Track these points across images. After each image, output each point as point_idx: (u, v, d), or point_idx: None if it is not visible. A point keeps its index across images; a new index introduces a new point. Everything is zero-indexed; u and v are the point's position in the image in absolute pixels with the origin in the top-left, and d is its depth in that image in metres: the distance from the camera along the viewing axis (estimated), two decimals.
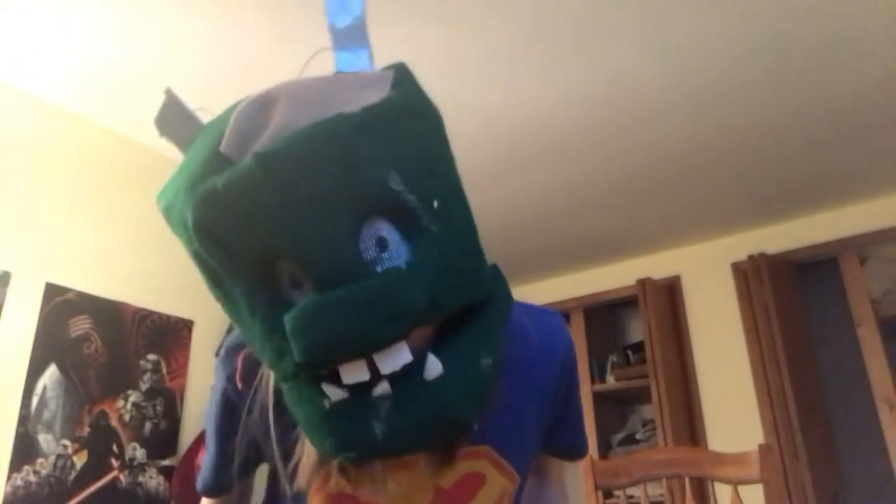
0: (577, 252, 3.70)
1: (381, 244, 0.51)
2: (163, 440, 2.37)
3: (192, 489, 2.36)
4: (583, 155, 2.72)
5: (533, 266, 3.87)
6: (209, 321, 2.64)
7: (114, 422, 2.25)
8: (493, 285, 0.57)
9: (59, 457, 2.07)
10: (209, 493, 0.79)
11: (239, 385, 0.66)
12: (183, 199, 0.54)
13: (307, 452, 0.60)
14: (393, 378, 0.50)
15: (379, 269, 0.50)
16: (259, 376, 0.64)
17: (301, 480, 0.61)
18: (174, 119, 0.64)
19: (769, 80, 2.26)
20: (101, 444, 2.19)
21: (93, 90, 2.25)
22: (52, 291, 2.17)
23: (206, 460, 0.78)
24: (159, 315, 2.47)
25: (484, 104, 2.34)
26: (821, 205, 3.19)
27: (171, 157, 2.65)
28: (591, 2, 1.90)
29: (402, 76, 0.58)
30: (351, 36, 0.61)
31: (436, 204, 0.52)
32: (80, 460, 2.12)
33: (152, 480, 2.31)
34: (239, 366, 0.66)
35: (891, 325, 3.06)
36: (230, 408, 0.68)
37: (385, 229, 0.51)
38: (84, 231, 2.32)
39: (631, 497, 2.82)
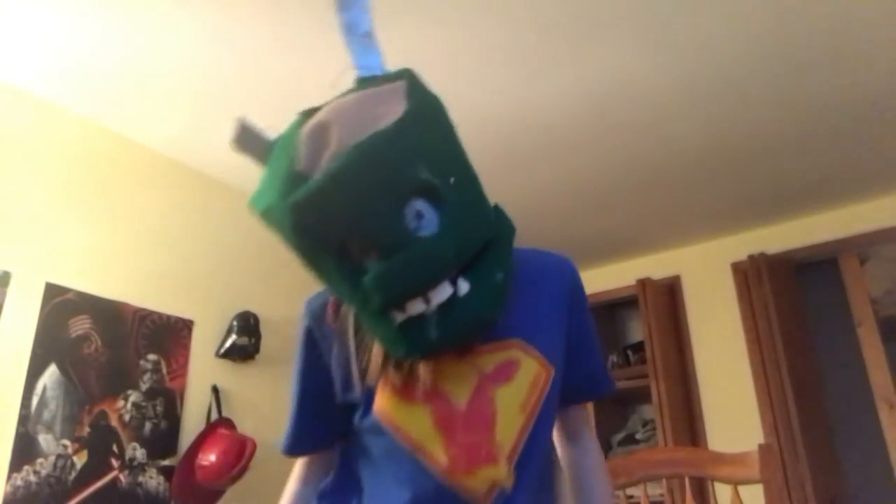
0: (578, 252, 3.70)
1: (419, 216, 0.73)
2: (163, 440, 2.37)
3: (192, 489, 2.37)
4: (583, 155, 2.72)
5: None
6: (209, 321, 2.64)
7: (114, 422, 2.25)
8: (497, 223, 0.80)
9: (59, 457, 2.07)
10: (290, 451, 0.97)
11: (330, 315, 0.88)
12: (279, 208, 0.74)
13: (373, 359, 0.82)
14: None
15: (421, 233, 0.72)
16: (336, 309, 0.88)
17: (370, 378, 0.83)
18: (247, 140, 0.83)
19: (769, 80, 2.26)
20: (101, 444, 2.19)
21: (92, 90, 2.25)
22: (52, 291, 2.17)
23: (288, 418, 0.96)
24: (159, 315, 2.47)
25: (484, 104, 2.34)
26: (821, 205, 3.19)
27: (170, 156, 2.66)
28: (591, 2, 1.90)
29: (412, 84, 0.78)
30: (365, 47, 0.83)
31: (452, 180, 0.74)
32: (80, 460, 2.12)
33: (152, 480, 2.31)
34: (332, 303, 0.89)
35: (891, 325, 3.06)
36: (312, 343, 0.92)
37: (420, 205, 0.73)
38: (84, 231, 2.32)
39: (631, 497, 2.82)
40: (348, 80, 0.82)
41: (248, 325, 2.68)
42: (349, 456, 0.94)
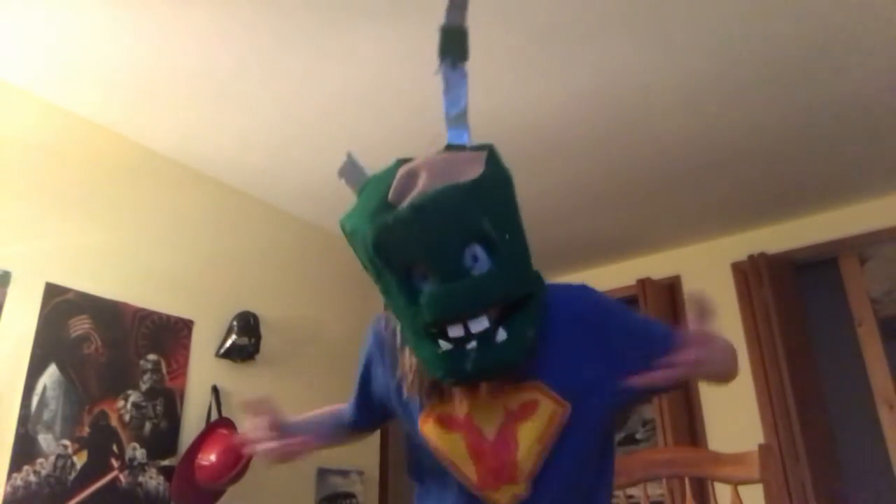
0: (577, 252, 3.70)
1: (475, 259, 0.88)
2: (163, 440, 2.37)
3: (192, 489, 2.37)
4: (583, 155, 2.72)
5: (533, 266, 3.86)
6: (209, 321, 2.64)
7: (114, 422, 2.25)
8: (536, 284, 0.96)
9: (59, 457, 2.07)
10: (353, 425, 1.20)
11: (385, 332, 1.08)
12: (365, 227, 0.90)
13: (409, 374, 1.00)
14: (477, 338, 0.87)
15: (474, 273, 0.88)
16: (392, 332, 1.06)
17: (405, 390, 1.01)
18: (350, 171, 1.01)
19: (769, 80, 2.26)
20: (101, 444, 2.19)
21: (93, 90, 2.25)
22: (52, 291, 2.17)
23: (351, 400, 1.19)
24: (159, 315, 2.47)
25: (484, 105, 2.34)
26: (821, 205, 3.19)
27: (170, 156, 2.66)
28: (590, 3, 1.90)
29: (491, 156, 0.95)
30: (458, 120, 0.99)
31: (507, 237, 0.91)
32: (80, 460, 2.12)
33: (152, 480, 2.31)
34: (380, 322, 1.11)
35: (891, 325, 3.06)
36: (370, 360, 1.12)
37: (478, 250, 0.89)
38: (84, 231, 2.32)
39: (631, 497, 2.81)
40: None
41: (248, 325, 2.68)
42: (411, 453, 1.12)
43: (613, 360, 1.02)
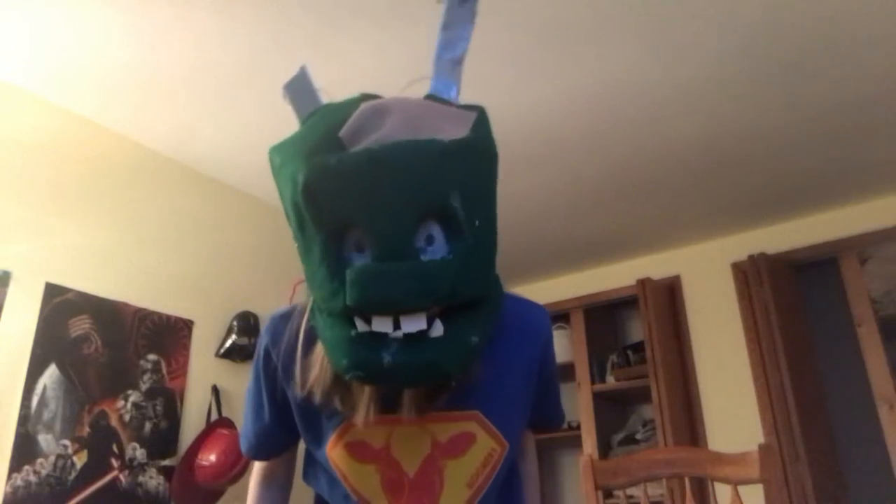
0: (577, 252, 3.70)
1: (430, 240, 0.69)
2: (163, 440, 2.37)
3: (192, 489, 2.36)
4: (583, 155, 2.72)
5: (533, 266, 3.87)
6: (209, 321, 2.64)
7: (114, 422, 2.25)
8: (494, 289, 0.77)
9: (59, 457, 2.07)
10: (253, 456, 0.99)
11: (268, 341, 0.87)
12: (298, 162, 0.70)
13: (321, 374, 0.78)
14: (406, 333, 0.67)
15: (423, 257, 0.68)
16: (286, 330, 0.86)
17: (317, 398, 0.79)
18: (300, 90, 0.79)
19: (769, 80, 2.26)
20: (101, 444, 2.19)
21: (93, 90, 2.25)
22: (52, 291, 2.17)
23: (247, 422, 0.96)
24: (159, 315, 2.47)
25: (484, 104, 2.34)
26: (821, 205, 3.19)
27: (170, 156, 2.66)
28: (591, 3, 1.90)
29: (481, 120, 0.76)
30: (449, 70, 0.79)
31: (476, 223, 0.71)
32: (80, 460, 2.12)
33: (152, 480, 2.31)
34: (270, 327, 0.90)
35: (891, 325, 3.06)
36: (270, 367, 0.88)
37: (435, 230, 0.69)
38: (84, 231, 2.32)
39: (631, 497, 2.82)
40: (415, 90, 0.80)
41: (248, 325, 2.68)
42: (311, 464, 0.95)
43: (535, 398, 0.93)
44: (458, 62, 0.80)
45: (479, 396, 0.82)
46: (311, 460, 0.94)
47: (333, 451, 0.84)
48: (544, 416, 0.99)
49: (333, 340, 0.71)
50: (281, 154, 0.74)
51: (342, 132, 0.70)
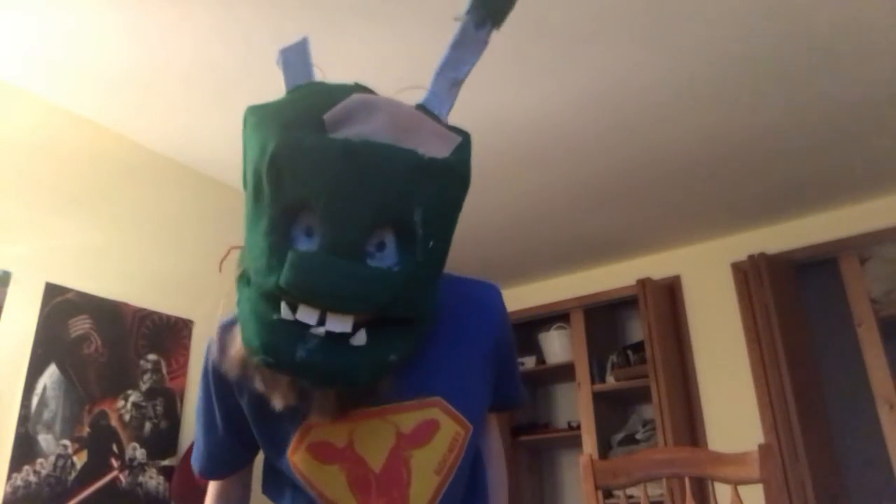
0: (577, 252, 3.70)
1: (381, 246, 0.69)
2: (163, 440, 2.37)
3: (192, 489, 2.36)
4: (583, 155, 2.72)
5: (533, 266, 3.87)
6: (209, 321, 2.63)
7: (114, 422, 2.25)
8: (427, 313, 0.75)
9: (59, 457, 2.07)
10: (208, 475, 0.96)
11: (216, 352, 0.85)
12: (273, 129, 0.70)
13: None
14: (328, 332, 0.67)
15: (370, 261, 0.68)
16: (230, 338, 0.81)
17: (278, 401, 0.76)
18: (295, 59, 0.78)
19: (769, 80, 2.26)
20: (101, 444, 2.19)
21: (93, 90, 2.25)
22: (52, 291, 2.17)
23: (195, 446, 0.94)
24: (159, 315, 2.47)
25: (484, 104, 2.34)
26: (821, 205, 3.19)
27: (170, 156, 2.66)
28: (591, 3, 1.90)
29: (464, 145, 0.76)
30: (447, 89, 0.80)
31: (431, 244, 0.71)
32: (80, 460, 2.12)
33: (152, 480, 2.31)
34: (217, 337, 0.87)
35: (891, 325, 3.06)
36: (219, 380, 0.88)
37: (389, 238, 0.69)
38: (84, 231, 2.32)
39: (631, 497, 2.82)
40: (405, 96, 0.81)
41: None
42: (270, 473, 0.92)
43: (495, 377, 0.92)
44: (457, 83, 0.81)
45: (439, 381, 0.82)
46: (271, 472, 0.91)
47: (295, 456, 0.82)
48: (505, 395, 0.98)
49: (252, 318, 0.70)
50: (257, 116, 0.74)
51: (327, 115, 0.70)
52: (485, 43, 0.83)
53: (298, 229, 0.69)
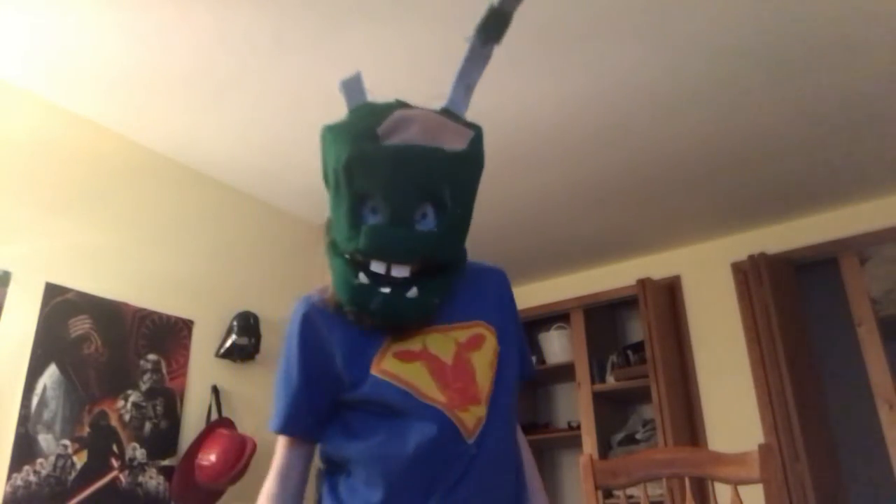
0: (577, 252, 3.70)
1: (424, 216, 0.98)
2: (163, 440, 2.37)
3: (192, 489, 2.37)
4: (583, 155, 2.72)
5: (533, 266, 3.87)
6: (209, 321, 2.64)
7: (114, 422, 2.25)
8: (461, 257, 1.07)
9: (59, 457, 2.07)
10: (283, 429, 1.06)
11: (330, 304, 1.05)
12: (345, 143, 0.98)
13: (329, 296, 1.05)
14: (391, 286, 0.97)
15: (417, 227, 0.98)
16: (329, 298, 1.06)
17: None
18: (353, 88, 1.05)
19: (769, 80, 2.26)
20: (101, 444, 2.19)
21: (93, 90, 2.25)
22: (52, 291, 2.17)
23: (281, 399, 1.06)
24: (159, 315, 2.47)
25: (485, 104, 2.33)
26: (821, 205, 3.19)
27: (170, 156, 2.66)
28: (591, 3, 1.90)
29: (477, 137, 1.06)
30: (463, 94, 1.11)
31: (458, 210, 1.01)
32: (80, 460, 2.12)
33: (152, 480, 2.31)
34: (315, 291, 1.08)
35: (891, 325, 3.06)
36: (311, 327, 1.06)
37: (429, 210, 0.99)
38: (84, 231, 2.32)
39: (631, 497, 2.82)
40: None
41: (248, 325, 2.68)
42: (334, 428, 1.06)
43: (516, 336, 1.16)
44: (470, 88, 1.11)
45: (477, 312, 1.11)
46: (337, 423, 1.05)
47: (382, 363, 1.03)
48: (520, 363, 1.18)
49: (342, 280, 0.99)
50: (333, 133, 1.03)
51: (379, 129, 0.98)
52: (489, 57, 1.13)
53: (367, 209, 0.98)
